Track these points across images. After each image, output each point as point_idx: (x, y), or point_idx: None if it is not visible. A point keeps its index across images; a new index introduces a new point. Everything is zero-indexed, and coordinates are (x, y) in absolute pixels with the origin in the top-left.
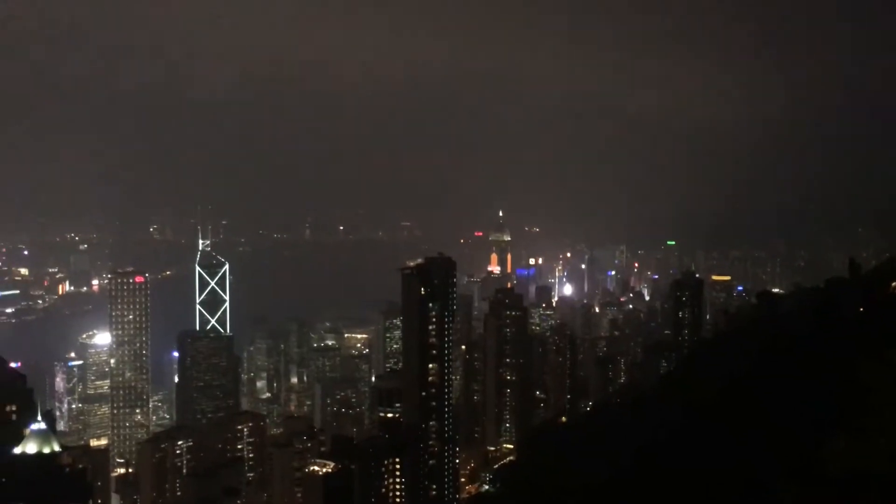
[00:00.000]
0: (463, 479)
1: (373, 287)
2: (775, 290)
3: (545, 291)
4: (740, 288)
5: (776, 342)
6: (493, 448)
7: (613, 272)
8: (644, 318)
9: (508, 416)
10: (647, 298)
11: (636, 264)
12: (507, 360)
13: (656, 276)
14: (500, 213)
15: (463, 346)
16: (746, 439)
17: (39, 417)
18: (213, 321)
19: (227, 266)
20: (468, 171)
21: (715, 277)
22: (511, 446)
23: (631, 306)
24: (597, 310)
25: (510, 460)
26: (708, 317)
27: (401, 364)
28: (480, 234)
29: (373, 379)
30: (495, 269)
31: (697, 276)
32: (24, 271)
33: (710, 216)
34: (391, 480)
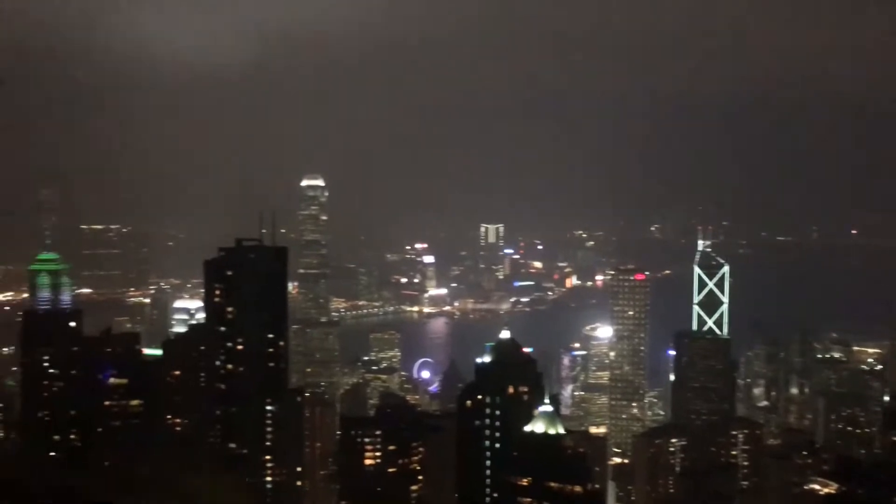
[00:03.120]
0: None
1: (889, 298)
2: None
3: None
4: None
5: None
6: None
7: None
8: None
9: None
10: None
11: None
12: None
13: None
14: None
15: None
16: None
17: (547, 400)
18: (710, 322)
19: (726, 268)
20: None
21: None
22: None
23: None
24: None
25: None
26: None
27: None
28: None
29: (885, 398)
30: None
31: None
32: (537, 264)
33: None
34: None
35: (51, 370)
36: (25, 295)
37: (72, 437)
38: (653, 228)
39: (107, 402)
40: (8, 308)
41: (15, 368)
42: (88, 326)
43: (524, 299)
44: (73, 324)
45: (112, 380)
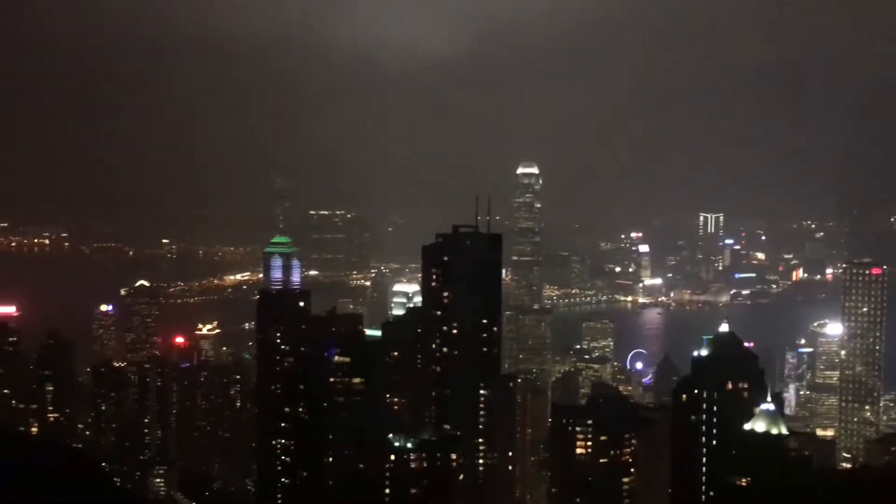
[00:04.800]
0: None
1: None
2: None
3: None
4: None
5: None
6: None
7: None
8: None
9: None
10: None
11: None
12: None
13: None
14: None
15: None
16: None
17: (769, 398)
18: None
19: None
20: None
21: None
22: None
23: None
24: None
25: None
26: None
27: None
28: None
29: None
30: None
31: None
32: (760, 256)
33: None
34: None
35: (282, 346)
36: (261, 276)
37: (300, 409)
38: (892, 219)
39: (331, 379)
40: (246, 287)
41: (251, 343)
42: (315, 306)
43: (745, 292)
44: (302, 303)
45: (336, 358)
